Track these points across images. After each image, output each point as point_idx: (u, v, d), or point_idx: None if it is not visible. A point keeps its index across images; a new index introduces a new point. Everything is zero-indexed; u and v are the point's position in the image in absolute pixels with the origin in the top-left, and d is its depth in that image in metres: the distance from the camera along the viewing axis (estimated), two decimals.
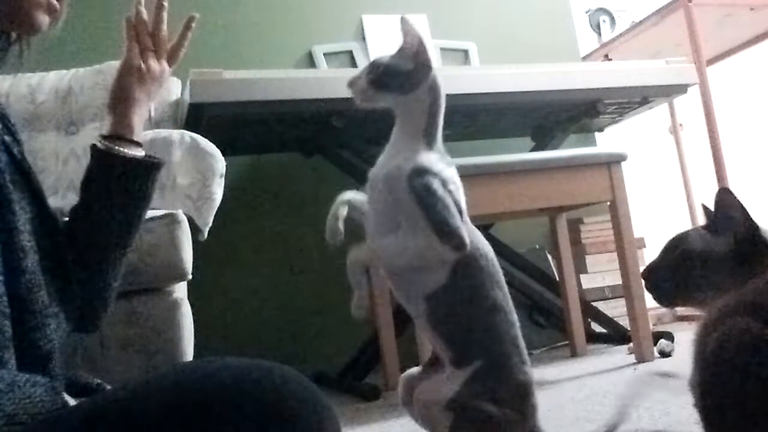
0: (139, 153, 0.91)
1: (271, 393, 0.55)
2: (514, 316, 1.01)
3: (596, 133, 3.09)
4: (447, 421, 0.94)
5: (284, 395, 0.55)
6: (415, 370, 1.07)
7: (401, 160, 0.99)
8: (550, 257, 2.79)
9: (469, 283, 0.98)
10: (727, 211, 0.96)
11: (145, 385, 0.57)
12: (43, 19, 0.75)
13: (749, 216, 0.95)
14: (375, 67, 1.00)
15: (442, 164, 1.00)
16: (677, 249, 1.00)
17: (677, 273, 0.99)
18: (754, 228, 0.94)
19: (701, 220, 3.12)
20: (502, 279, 1.02)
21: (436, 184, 0.96)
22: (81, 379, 0.77)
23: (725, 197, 0.97)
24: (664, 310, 2.86)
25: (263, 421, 0.53)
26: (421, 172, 0.97)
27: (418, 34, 1.00)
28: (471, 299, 0.98)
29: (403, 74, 0.99)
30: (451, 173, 1.01)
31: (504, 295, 1.00)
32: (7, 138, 0.77)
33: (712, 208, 1.02)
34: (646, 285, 1.03)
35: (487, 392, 0.94)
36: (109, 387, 0.77)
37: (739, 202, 0.95)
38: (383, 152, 1.03)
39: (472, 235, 1.00)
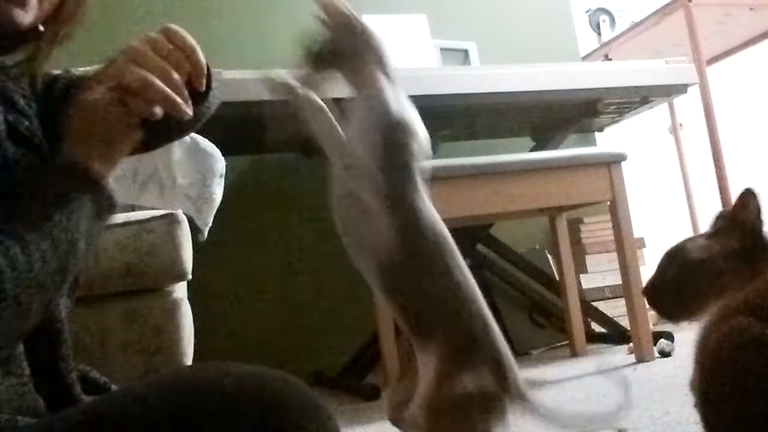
0: None
1: (271, 400, 0.55)
2: (477, 292, 0.99)
3: (596, 133, 3.09)
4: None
5: (285, 402, 0.55)
6: (392, 387, 1.05)
7: (371, 99, 0.94)
8: (550, 257, 2.79)
9: (418, 253, 0.95)
10: (743, 211, 0.95)
11: (147, 389, 0.57)
12: (16, 12, 0.72)
13: (761, 217, 0.94)
14: (310, 52, 0.92)
15: (408, 109, 0.95)
16: (675, 261, 0.99)
17: (680, 286, 0.97)
18: (760, 229, 0.93)
19: (701, 220, 3.13)
20: (459, 255, 0.99)
21: (409, 154, 0.93)
22: (90, 374, 0.76)
23: (746, 197, 0.96)
24: None
25: (264, 427, 0.53)
26: (400, 128, 0.93)
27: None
28: (422, 269, 0.95)
29: (345, 49, 0.92)
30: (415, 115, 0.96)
31: (462, 273, 0.98)
32: (10, 117, 0.75)
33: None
34: (649, 302, 1.02)
35: (460, 371, 0.92)
36: (114, 387, 0.77)
37: (758, 203, 0.94)
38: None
39: (424, 209, 0.97)
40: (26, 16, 0.73)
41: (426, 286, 0.95)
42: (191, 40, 0.74)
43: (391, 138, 0.93)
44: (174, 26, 0.75)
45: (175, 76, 0.72)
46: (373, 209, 0.95)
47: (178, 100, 0.70)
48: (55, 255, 0.63)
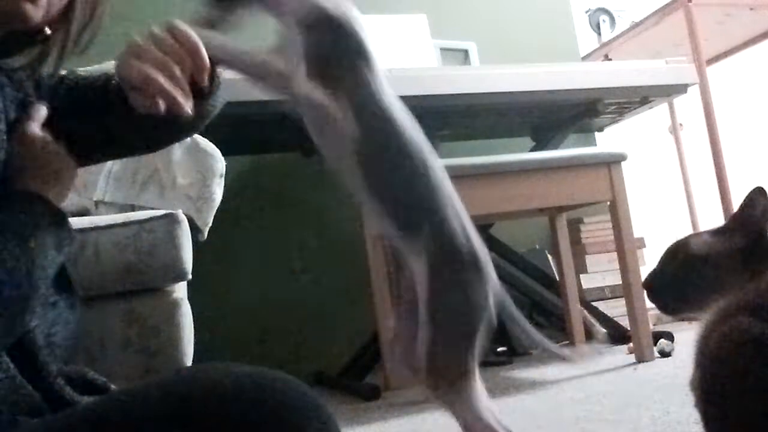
0: None
1: (272, 400, 0.55)
2: (452, 188, 1.00)
3: (596, 133, 3.09)
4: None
5: (285, 403, 0.55)
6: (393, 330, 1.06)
7: (305, 7, 0.90)
8: (550, 257, 2.79)
9: (386, 138, 0.94)
10: (751, 210, 0.95)
11: (147, 389, 0.57)
12: (28, 7, 0.71)
13: (767, 217, 0.94)
14: None
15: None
16: (678, 256, 0.98)
17: (682, 280, 0.97)
18: (764, 229, 0.93)
19: (701, 220, 3.12)
20: (425, 140, 1.00)
21: (360, 39, 0.91)
22: (88, 375, 0.76)
23: (755, 196, 0.95)
24: None
25: (264, 428, 0.53)
26: (345, 18, 0.91)
27: None
28: (396, 155, 0.95)
29: None
30: None
31: (433, 157, 0.99)
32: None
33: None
34: (649, 296, 1.01)
35: (450, 285, 0.93)
36: (113, 387, 0.77)
37: (766, 202, 0.94)
38: None
39: (384, 92, 0.95)
40: (37, 12, 0.72)
41: (402, 177, 0.96)
42: (194, 37, 0.74)
43: (338, 27, 0.90)
44: (177, 22, 0.75)
45: (177, 71, 0.71)
46: (332, 104, 0.94)
47: (179, 96, 0.70)
48: (32, 277, 0.65)
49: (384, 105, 0.95)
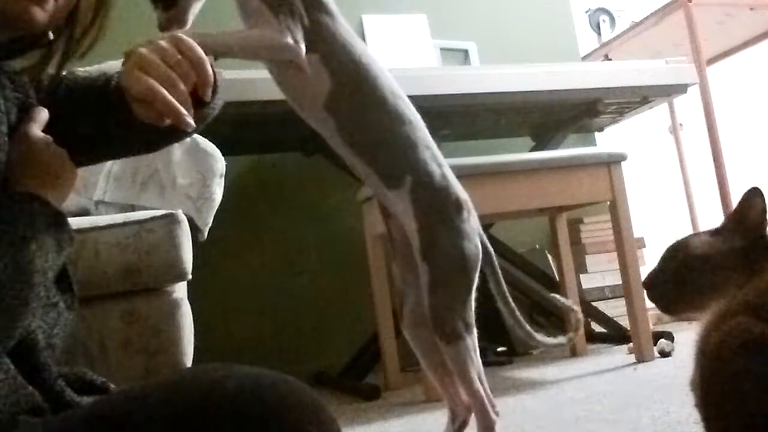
0: None
1: (273, 402, 0.55)
2: (425, 131, 1.02)
3: (596, 133, 3.09)
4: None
5: (286, 404, 0.55)
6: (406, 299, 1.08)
7: None
8: (550, 257, 2.79)
9: (359, 89, 0.97)
10: (748, 210, 0.95)
11: (148, 390, 0.57)
12: (35, 10, 0.71)
13: (765, 216, 0.94)
14: None
15: None
16: (678, 256, 0.98)
17: (681, 280, 0.97)
18: (763, 228, 0.93)
19: (701, 220, 3.12)
20: (400, 90, 1.01)
21: None
22: (87, 376, 0.76)
23: (752, 196, 0.95)
24: None
25: (265, 429, 0.53)
26: None
27: None
28: (370, 106, 0.97)
29: None
30: None
31: (407, 106, 1.00)
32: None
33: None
34: (648, 295, 1.02)
35: (437, 224, 0.97)
36: (112, 386, 0.77)
37: (763, 202, 0.94)
38: None
39: (351, 43, 0.98)
40: (44, 15, 0.73)
41: (373, 122, 0.98)
42: (199, 50, 0.75)
43: None
44: (182, 35, 0.75)
45: (181, 86, 0.72)
46: (303, 61, 0.95)
47: (183, 111, 0.71)
48: (31, 280, 0.65)
49: (354, 57, 0.97)
